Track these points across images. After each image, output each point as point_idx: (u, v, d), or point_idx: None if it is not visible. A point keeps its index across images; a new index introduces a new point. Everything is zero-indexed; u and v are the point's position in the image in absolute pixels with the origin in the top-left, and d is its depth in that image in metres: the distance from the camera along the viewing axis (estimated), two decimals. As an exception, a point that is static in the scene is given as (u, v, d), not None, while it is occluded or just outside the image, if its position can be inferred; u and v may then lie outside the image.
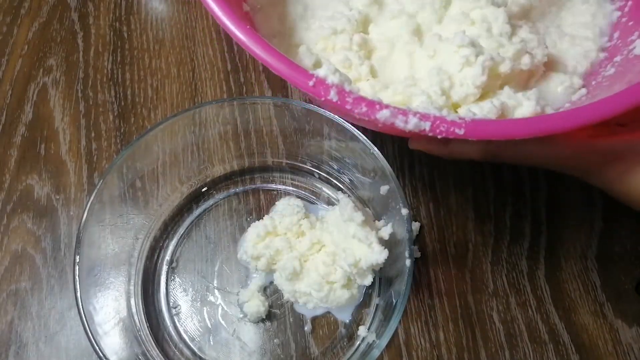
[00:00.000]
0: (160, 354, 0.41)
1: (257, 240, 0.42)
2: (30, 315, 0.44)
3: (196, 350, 0.42)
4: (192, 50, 0.56)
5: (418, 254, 0.45)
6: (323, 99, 0.28)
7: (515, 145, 0.32)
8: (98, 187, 0.39)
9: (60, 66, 0.55)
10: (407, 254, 0.37)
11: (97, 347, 0.35)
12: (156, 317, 0.43)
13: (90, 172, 0.50)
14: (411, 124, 0.27)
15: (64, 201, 0.48)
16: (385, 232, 0.39)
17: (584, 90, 0.38)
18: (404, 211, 0.37)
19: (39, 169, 0.50)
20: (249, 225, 0.44)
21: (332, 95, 0.28)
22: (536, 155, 0.33)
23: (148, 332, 0.42)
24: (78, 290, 0.37)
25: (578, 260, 0.46)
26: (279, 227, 0.42)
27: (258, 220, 0.43)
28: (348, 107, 0.28)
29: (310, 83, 0.28)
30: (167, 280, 0.44)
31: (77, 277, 0.37)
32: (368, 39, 0.39)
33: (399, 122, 0.28)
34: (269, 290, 0.43)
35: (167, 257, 0.45)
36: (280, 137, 0.46)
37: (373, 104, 0.28)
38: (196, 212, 0.47)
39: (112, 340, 0.38)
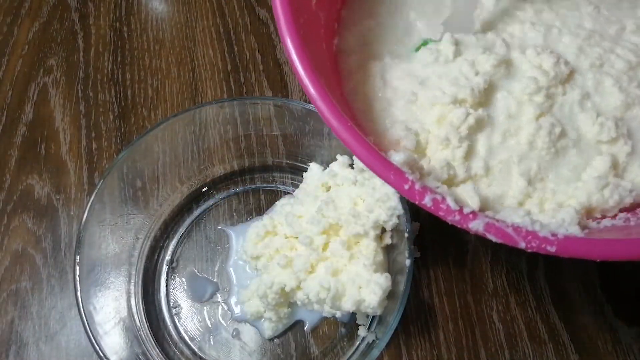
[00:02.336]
0: (160, 354, 0.41)
1: (257, 240, 0.42)
2: (30, 315, 0.44)
3: (196, 350, 0.42)
4: (192, 50, 0.56)
5: (418, 254, 0.45)
6: (417, 203, 0.28)
7: None
8: (98, 187, 0.39)
9: (61, 66, 0.55)
10: (406, 253, 0.37)
11: (97, 347, 0.35)
12: (156, 317, 0.43)
13: (90, 172, 0.50)
14: (502, 239, 0.27)
15: (64, 201, 0.48)
16: (386, 236, 0.39)
17: None
18: (404, 211, 0.37)
19: (40, 169, 0.50)
20: (248, 226, 0.44)
21: (427, 201, 0.28)
22: None
23: (148, 331, 0.42)
24: (78, 290, 0.37)
25: (578, 260, 0.45)
26: (278, 227, 0.42)
27: (258, 220, 0.43)
28: (441, 214, 0.28)
29: (406, 187, 0.28)
30: (167, 280, 0.44)
31: (77, 277, 0.37)
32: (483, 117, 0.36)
33: (491, 237, 0.28)
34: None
35: (167, 257, 0.45)
36: (280, 137, 0.46)
37: (466, 215, 0.28)
38: (196, 212, 0.47)
39: (113, 340, 0.38)
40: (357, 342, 0.41)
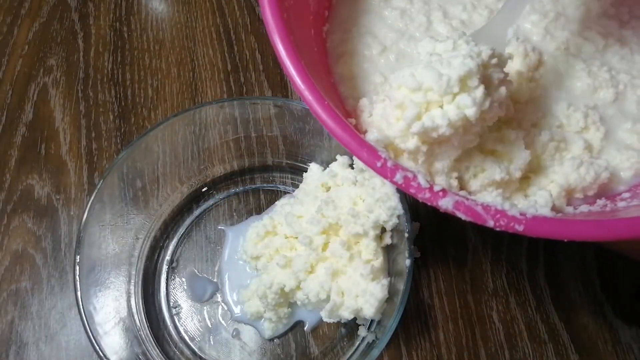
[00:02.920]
0: (160, 354, 0.41)
1: (257, 240, 0.42)
2: (30, 315, 0.44)
3: (196, 350, 0.42)
4: (192, 50, 0.56)
5: (418, 254, 0.45)
6: (389, 180, 0.29)
7: None
8: (98, 187, 0.39)
9: (61, 66, 0.55)
10: (406, 253, 0.37)
11: (97, 347, 0.35)
12: (156, 317, 0.43)
13: (90, 172, 0.50)
14: (471, 217, 0.28)
15: (64, 201, 0.48)
16: (386, 236, 0.39)
17: None
18: (404, 211, 0.37)
19: (40, 169, 0.50)
20: (247, 225, 0.44)
21: (398, 179, 0.28)
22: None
23: (148, 331, 0.42)
24: (78, 290, 0.37)
25: (578, 260, 0.46)
26: (278, 227, 0.42)
27: (257, 219, 0.43)
28: (412, 191, 0.28)
29: (379, 164, 0.29)
30: (167, 280, 0.44)
31: (77, 277, 0.37)
32: None
33: (460, 214, 0.28)
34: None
35: (167, 257, 0.45)
36: (280, 137, 0.46)
37: (436, 193, 0.28)
38: (196, 212, 0.47)
39: (113, 340, 0.38)
40: (357, 342, 0.41)
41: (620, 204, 0.34)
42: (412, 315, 0.43)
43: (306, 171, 0.45)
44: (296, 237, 0.41)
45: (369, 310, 0.37)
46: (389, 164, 0.28)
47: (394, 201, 0.37)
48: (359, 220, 0.39)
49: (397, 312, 0.35)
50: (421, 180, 0.28)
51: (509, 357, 0.42)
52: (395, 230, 0.39)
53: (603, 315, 0.44)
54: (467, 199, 0.28)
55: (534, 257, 0.46)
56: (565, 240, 0.27)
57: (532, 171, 0.36)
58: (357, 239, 0.40)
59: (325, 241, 0.40)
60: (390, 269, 0.40)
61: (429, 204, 0.28)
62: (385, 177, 0.29)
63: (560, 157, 0.36)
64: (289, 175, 0.48)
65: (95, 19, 0.58)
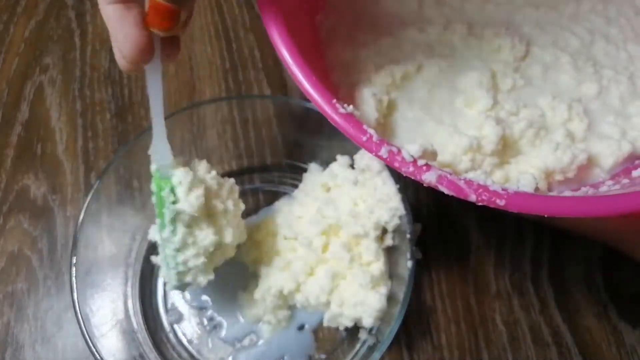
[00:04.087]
0: (158, 357, 0.41)
1: (256, 241, 0.42)
2: (26, 317, 0.43)
3: (194, 353, 0.42)
4: (190, 48, 0.56)
5: (420, 256, 0.44)
6: (374, 154, 0.30)
7: None
8: (95, 187, 0.39)
9: (57, 64, 0.55)
10: (408, 255, 0.36)
11: (94, 349, 0.35)
12: (154, 319, 0.43)
13: (87, 172, 0.49)
14: (453, 191, 0.29)
15: (61, 201, 0.48)
16: (387, 237, 0.39)
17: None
18: (406, 212, 0.37)
19: (35, 169, 0.49)
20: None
21: (383, 152, 0.29)
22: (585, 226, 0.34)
23: (146, 334, 0.41)
24: (75, 291, 0.36)
25: (582, 262, 0.45)
26: (278, 228, 0.42)
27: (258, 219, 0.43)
28: (396, 165, 0.29)
29: (364, 138, 0.29)
30: (164, 281, 0.44)
31: (73, 279, 0.37)
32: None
33: (443, 188, 0.29)
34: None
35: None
36: (279, 136, 0.45)
37: (420, 167, 0.29)
38: (195, 213, 0.46)
39: (109, 342, 0.38)
40: (358, 345, 0.40)
41: (602, 189, 0.35)
42: (413, 317, 0.43)
43: (306, 171, 0.44)
44: (296, 239, 0.40)
45: (368, 320, 0.37)
46: (374, 138, 0.29)
47: (396, 202, 0.37)
48: (360, 221, 0.38)
49: (399, 315, 0.35)
50: (405, 154, 0.29)
51: (512, 359, 0.42)
52: (397, 231, 0.39)
53: (607, 317, 0.43)
54: (451, 174, 0.29)
55: (538, 259, 0.45)
56: (546, 215, 0.28)
57: (513, 156, 0.37)
58: (358, 240, 0.39)
59: (325, 242, 0.39)
60: (391, 271, 0.40)
61: (412, 177, 0.29)
62: (371, 151, 0.29)
63: (540, 144, 0.37)
64: (289, 175, 0.48)
65: (92, 16, 0.58)
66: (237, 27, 0.57)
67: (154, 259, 0.39)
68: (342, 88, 0.39)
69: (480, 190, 0.28)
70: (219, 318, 0.42)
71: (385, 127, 0.37)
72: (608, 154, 0.36)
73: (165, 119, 0.40)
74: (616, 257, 0.45)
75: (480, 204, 0.28)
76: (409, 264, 0.36)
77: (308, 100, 0.31)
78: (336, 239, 0.40)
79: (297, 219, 0.41)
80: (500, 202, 0.28)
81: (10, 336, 0.43)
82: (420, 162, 0.29)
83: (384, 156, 0.29)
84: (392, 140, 0.36)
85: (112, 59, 0.55)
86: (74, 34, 0.57)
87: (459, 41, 0.41)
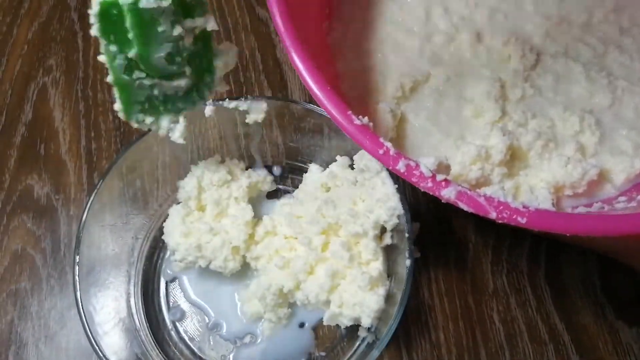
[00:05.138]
0: (160, 354, 0.41)
1: (257, 240, 0.42)
2: (30, 315, 0.44)
3: (196, 351, 0.42)
4: (192, 49, 0.56)
5: (418, 254, 0.44)
6: (391, 168, 0.29)
7: None
8: (98, 187, 0.39)
9: (60, 66, 0.55)
10: (407, 254, 0.36)
11: (97, 348, 0.35)
12: (156, 317, 0.43)
13: (90, 172, 0.50)
14: (473, 208, 0.28)
15: (64, 201, 0.48)
16: (386, 236, 0.39)
17: None
18: (404, 211, 0.37)
19: (39, 169, 0.50)
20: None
21: (400, 167, 0.28)
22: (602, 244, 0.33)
23: (148, 332, 0.42)
24: (78, 290, 0.37)
25: (579, 261, 0.46)
26: (278, 227, 0.42)
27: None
28: (414, 180, 0.28)
29: (381, 152, 0.29)
30: (167, 280, 0.44)
31: (77, 277, 0.37)
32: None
33: (463, 205, 0.28)
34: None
35: (167, 257, 0.45)
36: (280, 137, 0.45)
37: (439, 182, 0.28)
38: (196, 212, 0.47)
39: (112, 341, 0.38)
40: (357, 343, 0.41)
41: (618, 206, 0.34)
42: (412, 315, 0.43)
43: (306, 171, 0.44)
44: (296, 238, 0.41)
45: (366, 320, 0.37)
46: (392, 152, 0.28)
47: (394, 201, 0.37)
48: (359, 220, 0.39)
49: (397, 313, 0.35)
50: (423, 169, 0.28)
51: (510, 357, 0.42)
52: (396, 230, 0.39)
53: (604, 316, 0.44)
54: (470, 190, 0.28)
55: (535, 257, 0.46)
56: (568, 234, 0.27)
57: (522, 168, 0.36)
58: (357, 239, 0.39)
59: (324, 241, 0.40)
60: (390, 270, 0.40)
61: (430, 193, 0.28)
62: (388, 165, 0.28)
63: (549, 158, 0.36)
64: (289, 175, 0.48)
65: (95, 18, 0.58)
66: (238, 29, 0.58)
67: (102, 58, 0.32)
68: (351, 98, 0.38)
69: (501, 207, 0.27)
70: (219, 316, 0.43)
71: (393, 138, 0.37)
72: (620, 169, 0.35)
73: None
74: (613, 258, 0.45)
75: (500, 221, 0.27)
76: (408, 262, 0.36)
77: (308, 102, 0.31)
78: (336, 238, 0.40)
79: (297, 218, 0.41)
80: (522, 220, 0.27)
81: (13, 334, 0.43)
82: (439, 178, 0.28)
83: (402, 170, 0.28)
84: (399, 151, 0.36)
85: (115, 61, 0.55)
86: (77, 35, 0.57)
87: (467, 50, 0.41)
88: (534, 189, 0.35)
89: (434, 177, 0.28)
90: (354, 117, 0.29)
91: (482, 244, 0.46)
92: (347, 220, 0.39)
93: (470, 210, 0.28)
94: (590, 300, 0.44)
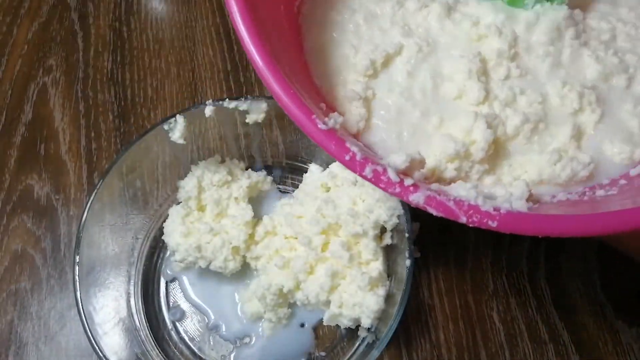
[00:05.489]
0: (160, 354, 0.41)
1: (257, 240, 0.42)
2: (30, 315, 0.44)
3: (196, 351, 0.42)
4: (192, 50, 0.56)
5: (418, 254, 0.44)
6: (358, 174, 0.27)
7: None
8: (98, 187, 0.39)
9: (60, 66, 0.55)
10: (407, 253, 0.36)
11: (97, 347, 0.35)
12: (156, 317, 0.43)
13: (90, 172, 0.50)
14: (443, 212, 0.27)
15: (64, 201, 0.48)
16: (386, 236, 0.39)
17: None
18: (404, 211, 0.37)
19: (39, 169, 0.50)
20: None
21: (367, 172, 0.27)
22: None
23: (148, 332, 0.42)
24: (78, 290, 0.37)
25: (578, 260, 0.46)
26: (278, 227, 0.42)
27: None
28: (382, 185, 0.27)
29: (347, 157, 0.27)
30: (167, 280, 0.44)
31: (77, 277, 0.37)
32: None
33: (432, 210, 0.27)
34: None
35: (167, 257, 0.45)
36: (280, 137, 0.45)
37: (407, 188, 0.27)
38: (196, 212, 0.47)
39: (112, 341, 0.38)
40: (357, 343, 0.41)
41: (599, 193, 0.32)
42: (412, 315, 0.43)
43: (306, 171, 0.44)
44: (296, 238, 0.41)
45: (366, 320, 0.37)
46: (358, 157, 0.27)
47: (394, 201, 0.37)
48: (359, 220, 0.39)
49: (397, 313, 0.35)
50: (391, 174, 0.27)
51: (510, 357, 0.42)
52: (395, 230, 0.39)
53: (603, 315, 0.44)
54: (440, 194, 0.27)
55: (535, 257, 0.46)
56: (540, 236, 0.26)
57: (506, 159, 0.34)
58: (357, 239, 0.39)
59: (324, 241, 0.40)
60: (390, 270, 0.40)
61: (399, 198, 0.27)
62: (355, 171, 0.27)
63: (540, 142, 0.33)
64: (289, 175, 0.48)
65: (95, 18, 0.58)
66: (238, 29, 0.58)
67: None
68: (320, 75, 0.35)
69: (471, 211, 0.27)
70: (219, 316, 0.43)
71: (366, 121, 0.34)
72: (617, 161, 0.33)
73: (167, 119, 0.41)
74: (613, 255, 0.45)
75: (471, 225, 0.27)
76: (408, 262, 0.36)
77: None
78: (336, 238, 0.40)
79: (297, 218, 0.41)
80: (493, 224, 0.26)
81: (13, 334, 0.43)
82: (407, 182, 0.27)
83: (369, 176, 0.27)
84: (371, 133, 0.34)
85: (114, 61, 0.56)
86: (76, 35, 0.57)
87: (438, 20, 0.37)
88: (512, 184, 0.32)
89: (401, 182, 0.27)
90: (318, 121, 0.28)
91: (482, 244, 0.46)
92: (347, 220, 0.39)
93: (439, 214, 0.27)
94: (590, 299, 0.44)
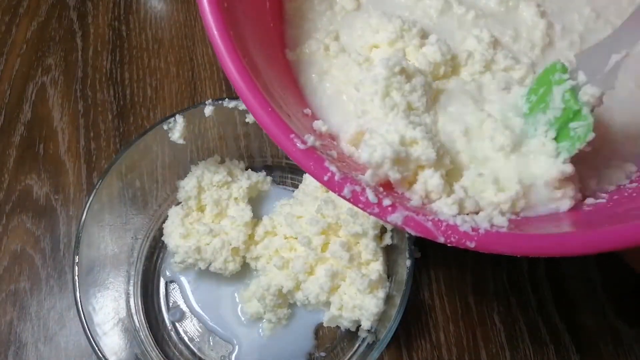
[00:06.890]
0: (159, 354, 0.41)
1: (256, 240, 0.42)
2: (29, 315, 0.44)
3: (195, 351, 0.42)
4: (191, 49, 0.56)
5: (418, 254, 0.44)
6: (337, 194, 0.27)
7: None
8: (97, 187, 0.39)
9: (59, 65, 0.55)
10: (407, 254, 0.36)
11: (96, 348, 0.35)
12: (155, 318, 0.43)
13: (89, 172, 0.50)
14: (421, 233, 0.27)
15: (63, 201, 0.48)
16: (386, 236, 0.39)
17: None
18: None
19: (38, 169, 0.50)
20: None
21: (346, 193, 0.27)
22: None
23: (147, 332, 0.42)
24: (77, 290, 0.37)
25: (579, 261, 0.45)
26: (278, 227, 0.42)
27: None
28: (360, 206, 0.27)
29: (325, 178, 0.27)
30: (166, 280, 0.44)
31: (76, 278, 0.37)
32: None
33: (410, 230, 0.27)
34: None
35: (167, 257, 0.45)
36: (280, 136, 0.45)
37: (385, 208, 0.27)
38: (196, 212, 0.47)
39: (112, 341, 0.38)
40: (358, 343, 0.41)
41: (588, 201, 0.31)
42: (412, 316, 0.43)
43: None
44: (296, 238, 0.41)
45: (366, 323, 0.37)
46: (337, 177, 0.27)
47: None
48: (359, 220, 0.39)
49: (398, 314, 0.35)
50: (369, 194, 0.27)
51: (510, 358, 0.42)
52: (396, 230, 0.39)
53: (604, 316, 0.44)
54: (418, 214, 0.27)
55: (535, 258, 0.45)
56: (519, 256, 0.26)
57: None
58: (357, 239, 0.39)
59: (324, 241, 0.40)
60: (390, 270, 0.40)
61: (378, 218, 0.27)
62: (333, 190, 0.27)
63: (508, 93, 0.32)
64: (289, 175, 0.48)
65: (94, 17, 0.58)
66: (237, 28, 0.57)
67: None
68: (306, 87, 0.34)
69: (450, 232, 0.26)
70: (219, 316, 0.43)
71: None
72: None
73: (167, 119, 0.41)
74: (614, 255, 0.45)
75: (450, 245, 0.26)
76: (408, 262, 0.36)
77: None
78: (335, 238, 0.40)
79: (297, 218, 0.41)
80: (471, 245, 0.26)
81: (13, 335, 0.43)
82: (386, 203, 0.27)
83: (347, 197, 0.27)
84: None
85: (114, 60, 0.55)
86: (75, 35, 0.57)
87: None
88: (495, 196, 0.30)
89: (380, 203, 0.27)
90: (296, 140, 0.27)
91: (482, 244, 0.46)
92: (347, 220, 0.39)
93: (418, 235, 0.27)
94: (591, 299, 0.44)
